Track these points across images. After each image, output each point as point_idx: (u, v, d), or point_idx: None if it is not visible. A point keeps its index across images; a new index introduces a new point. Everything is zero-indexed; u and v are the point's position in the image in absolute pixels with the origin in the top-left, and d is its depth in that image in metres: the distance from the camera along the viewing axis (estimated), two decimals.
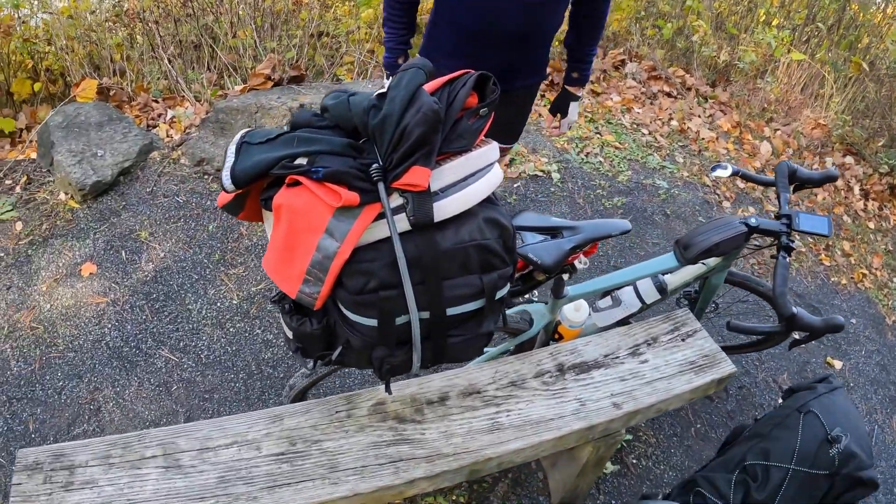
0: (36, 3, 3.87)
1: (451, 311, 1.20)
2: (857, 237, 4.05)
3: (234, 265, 2.72)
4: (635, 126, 4.10)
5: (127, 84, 3.48)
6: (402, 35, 1.91)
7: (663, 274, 2.02)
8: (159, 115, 3.34)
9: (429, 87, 1.12)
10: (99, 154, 2.86)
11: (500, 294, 1.25)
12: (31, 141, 3.13)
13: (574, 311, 1.93)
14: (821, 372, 2.91)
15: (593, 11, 1.96)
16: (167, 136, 3.18)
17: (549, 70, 4.03)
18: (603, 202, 3.36)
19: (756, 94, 4.75)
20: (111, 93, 3.36)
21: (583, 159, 3.60)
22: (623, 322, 2.10)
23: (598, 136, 3.86)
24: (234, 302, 2.60)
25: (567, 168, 3.49)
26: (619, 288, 2.02)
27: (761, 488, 1.20)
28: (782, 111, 4.78)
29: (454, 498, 2.09)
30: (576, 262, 1.66)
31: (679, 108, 4.37)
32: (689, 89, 4.69)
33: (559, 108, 2.22)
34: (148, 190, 2.89)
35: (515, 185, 3.28)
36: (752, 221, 1.87)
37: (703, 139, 4.22)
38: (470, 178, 1.14)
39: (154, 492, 1.48)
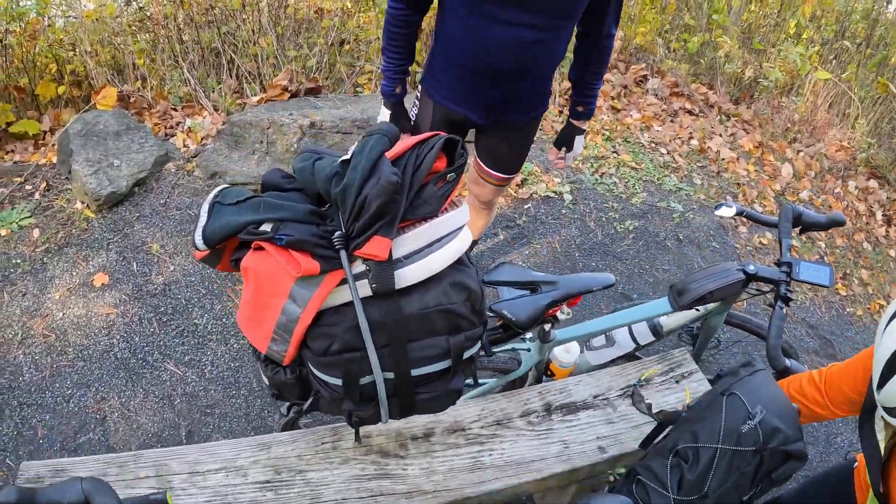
0: (64, 6, 3.97)
1: (416, 372, 1.22)
2: (876, 266, 3.96)
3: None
4: (654, 145, 4.05)
5: (148, 91, 3.55)
6: (401, 64, 1.93)
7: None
8: (178, 124, 3.40)
9: (398, 148, 1.12)
10: (115, 164, 2.93)
11: (468, 353, 1.26)
12: (52, 144, 3.21)
13: (564, 353, 1.93)
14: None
15: (598, 47, 1.95)
16: (184, 146, 3.24)
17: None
18: (615, 225, 3.34)
19: (780, 113, 4.66)
20: (131, 100, 3.44)
21: (597, 180, 3.58)
22: (630, 358, 2.08)
23: (615, 155, 3.83)
24: None
25: (580, 189, 3.48)
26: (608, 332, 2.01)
27: (693, 468, 1.28)
28: (806, 131, 4.68)
29: None
30: (558, 314, 1.67)
31: (700, 127, 4.31)
32: (711, 106, 4.62)
33: (564, 141, 2.21)
34: (161, 202, 2.95)
35: (526, 207, 3.28)
36: (751, 269, 1.84)
37: (722, 159, 4.16)
38: (435, 245, 1.14)
39: None
